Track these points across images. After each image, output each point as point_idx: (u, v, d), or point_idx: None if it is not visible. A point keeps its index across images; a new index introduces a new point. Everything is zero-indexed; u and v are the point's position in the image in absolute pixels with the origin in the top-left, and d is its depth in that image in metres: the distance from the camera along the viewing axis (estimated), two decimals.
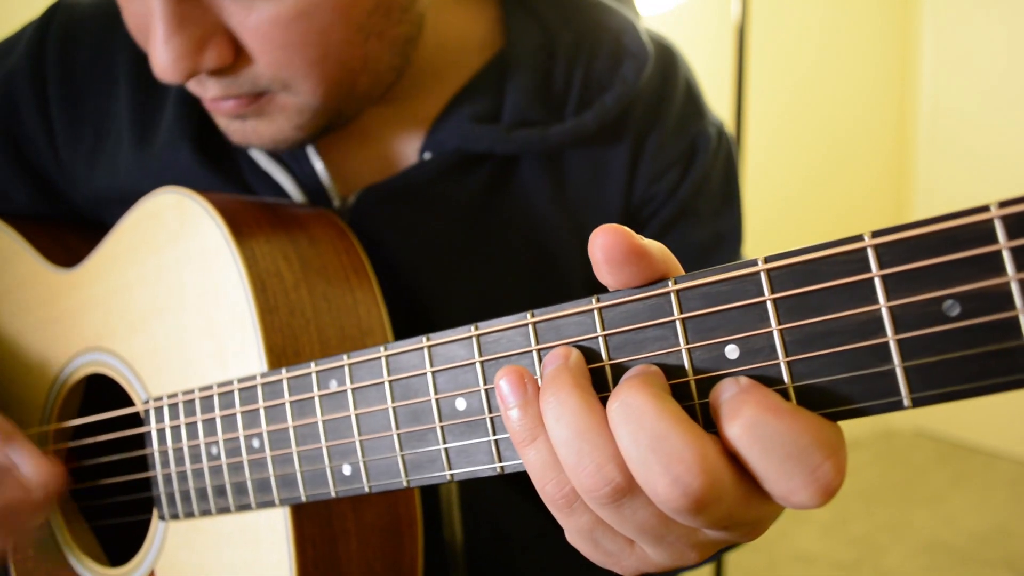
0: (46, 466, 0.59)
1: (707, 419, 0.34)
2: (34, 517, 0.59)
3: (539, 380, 0.37)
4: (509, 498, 0.72)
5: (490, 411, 0.40)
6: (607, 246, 0.34)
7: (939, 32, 3.34)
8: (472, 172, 0.67)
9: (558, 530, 0.72)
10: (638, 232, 0.35)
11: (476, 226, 0.68)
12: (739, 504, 0.32)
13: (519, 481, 0.71)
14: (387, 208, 0.66)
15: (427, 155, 0.67)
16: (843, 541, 2.62)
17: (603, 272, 0.35)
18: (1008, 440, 3.19)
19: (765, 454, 0.31)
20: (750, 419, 0.31)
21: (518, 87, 0.66)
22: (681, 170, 0.70)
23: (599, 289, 0.37)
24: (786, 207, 3.17)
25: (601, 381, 0.36)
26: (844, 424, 0.33)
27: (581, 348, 0.37)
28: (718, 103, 0.77)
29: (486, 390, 0.40)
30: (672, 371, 0.35)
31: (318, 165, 0.66)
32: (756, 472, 0.32)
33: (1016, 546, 2.54)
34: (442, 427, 0.41)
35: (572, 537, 0.38)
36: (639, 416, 0.32)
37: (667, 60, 0.73)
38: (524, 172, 0.68)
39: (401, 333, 0.62)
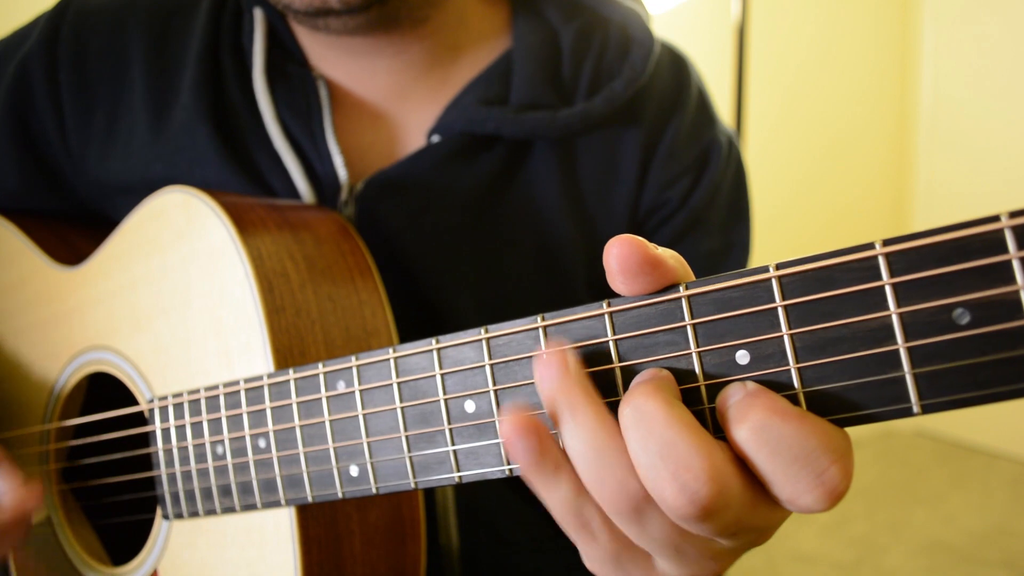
0: (21, 490, 0.58)
1: (717, 424, 0.34)
2: (4, 539, 0.58)
3: (537, 374, 0.36)
4: (506, 503, 0.72)
5: (499, 413, 0.40)
6: (622, 257, 0.34)
7: (939, 32, 3.34)
8: (481, 157, 0.67)
9: (555, 535, 0.72)
10: (647, 239, 0.35)
11: (482, 214, 0.68)
12: (746, 510, 0.32)
13: (516, 485, 0.71)
14: (395, 194, 0.66)
15: (435, 138, 0.67)
16: (843, 541, 2.62)
17: (617, 281, 0.35)
18: (1008, 440, 3.19)
19: (772, 457, 0.31)
20: (757, 422, 0.31)
21: (524, 77, 0.67)
22: (693, 178, 0.70)
23: (602, 283, 0.37)
24: (786, 206, 3.17)
25: (611, 385, 0.36)
26: None
27: (583, 351, 0.37)
28: (718, 103, 0.77)
29: (495, 392, 0.40)
30: (683, 375, 0.35)
31: (334, 149, 0.66)
32: (763, 476, 0.32)
33: (1016, 546, 2.54)
34: (451, 429, 0.41)
35: (592, 564, 0.38)
36: (649, 422, 0.32)
37: (680, 66, 0.73)
38: (535, 160, 0.68)
39: (404, 321, 0.62)
